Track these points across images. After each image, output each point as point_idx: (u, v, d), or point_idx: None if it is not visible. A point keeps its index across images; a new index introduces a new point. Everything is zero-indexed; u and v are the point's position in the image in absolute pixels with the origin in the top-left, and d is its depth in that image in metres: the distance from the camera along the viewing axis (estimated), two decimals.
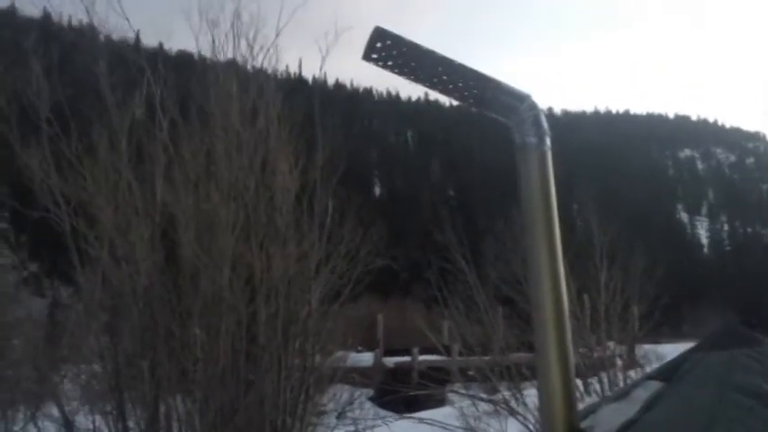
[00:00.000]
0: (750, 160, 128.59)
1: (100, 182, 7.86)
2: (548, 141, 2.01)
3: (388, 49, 2.01)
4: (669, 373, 2.02)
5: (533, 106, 2.03)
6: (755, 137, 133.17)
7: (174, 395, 7.55)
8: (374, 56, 2.03)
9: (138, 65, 8.41)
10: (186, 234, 7.68)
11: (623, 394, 2.10)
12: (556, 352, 1.80)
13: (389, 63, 2.04)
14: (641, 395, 1.95)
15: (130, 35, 9.33)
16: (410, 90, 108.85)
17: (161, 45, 19.26)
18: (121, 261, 7.71)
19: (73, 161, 8.03)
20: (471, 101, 2.12)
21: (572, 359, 1.81)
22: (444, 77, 2.06)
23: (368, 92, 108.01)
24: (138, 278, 7.56)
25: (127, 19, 8.55)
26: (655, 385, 1.98)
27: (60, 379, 9.57)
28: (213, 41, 8.69)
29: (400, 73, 2.05)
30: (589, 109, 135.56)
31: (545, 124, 2.05)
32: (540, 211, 1.95)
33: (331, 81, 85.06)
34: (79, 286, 8.73)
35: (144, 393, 7.37)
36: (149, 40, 10.29)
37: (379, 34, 2.00)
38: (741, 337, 2.03)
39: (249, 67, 8.90)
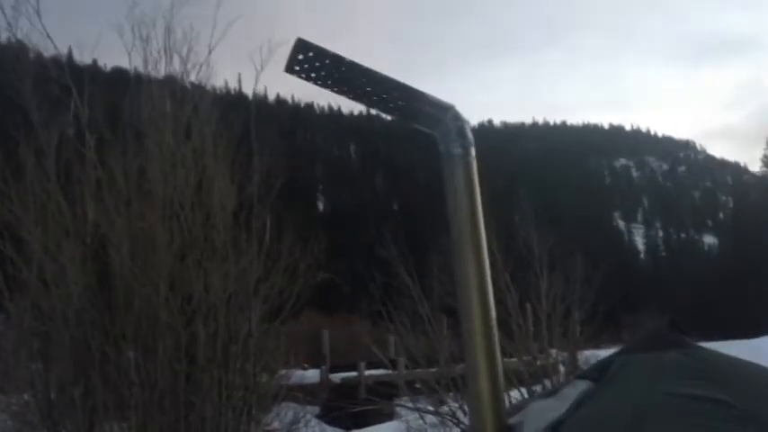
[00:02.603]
0: (682, 168, 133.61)
1: (27, 203, 7.56)
2: (472, 151, 2.01)
3: (310, 60, 1.98)
4: (598, 373, 2.04)
5: (457, 117, 2.03)
6: (686, 146, 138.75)
7: (111, 422, 7.29)
8: (297, 68, 1.99)
9: (66, 82, 8.15)
10: (119, 255, 7.45)
11: (553, 392, 2.12)
12: (484, 358, 1.80)
13: (312, 75, 2.01)
14: (571, 393, 1.96)
15: (63, 52, 9.02)
16: (351, 104, 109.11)
17: (95, 62, 18.72)
18: (51, 285, 7.41)
19: None
20: (396, 112, 2.10)
21: (500, 365, 1.82)
22: (368, 89, 2.03)
23: (309, 107, 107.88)
24: (69, 302, 7.28)
25: (49, 36, 8.26)
26: (584, 384, 2.00)
27: None
28: (146, 58, 8.50)
29: (323, 85, 2.02)
30: (528, 120, 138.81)
31: (470, 135, 2.05)
32: (467, 221, 1.94)
33: (272, 96, 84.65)
34: (9, 313, 8.38)
35: (78, 422, 7.09)
36: (83, 57, 9.93)
37: (302, 46, 1.96)
38: (668, 340, 2.07)
39: (186, 83, 8.75)
